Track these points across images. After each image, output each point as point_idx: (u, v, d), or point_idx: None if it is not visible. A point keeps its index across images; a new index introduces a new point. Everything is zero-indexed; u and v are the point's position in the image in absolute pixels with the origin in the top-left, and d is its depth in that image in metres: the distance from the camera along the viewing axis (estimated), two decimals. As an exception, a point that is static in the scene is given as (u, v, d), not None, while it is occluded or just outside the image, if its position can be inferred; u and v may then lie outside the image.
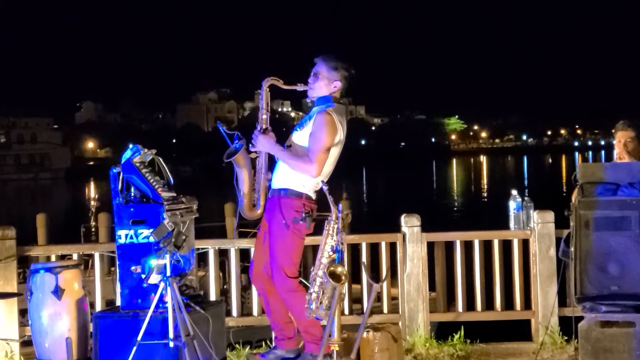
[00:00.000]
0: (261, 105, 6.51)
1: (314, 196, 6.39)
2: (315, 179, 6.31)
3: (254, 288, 8.22)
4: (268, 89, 6.48)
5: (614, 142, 7.42)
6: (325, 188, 6.10)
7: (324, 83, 6.40)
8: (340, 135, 6.34)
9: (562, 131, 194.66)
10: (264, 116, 6.49)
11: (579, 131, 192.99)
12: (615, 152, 7.35)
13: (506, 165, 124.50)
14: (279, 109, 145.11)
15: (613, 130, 7.37)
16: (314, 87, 6.43)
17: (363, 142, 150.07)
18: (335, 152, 6.36)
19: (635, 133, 7.20)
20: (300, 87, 6.48)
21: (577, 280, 6.45)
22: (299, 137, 6.37)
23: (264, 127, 6.45)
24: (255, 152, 6.48)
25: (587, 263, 6.44)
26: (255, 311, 8.28)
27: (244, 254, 8.49)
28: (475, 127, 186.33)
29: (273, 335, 6.78)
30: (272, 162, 6.55)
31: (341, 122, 6.33)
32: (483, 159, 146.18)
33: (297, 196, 6.30)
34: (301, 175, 6.29)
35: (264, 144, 6.41)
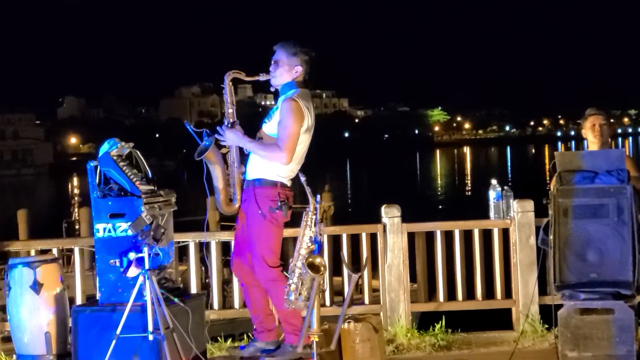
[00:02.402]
0: (226, 99, 6.53)
1: (289, 184, 6.39)
2: (288, 166, 6.31)
3: (235, 281, 8.23)
4: (231, 83, 6.51)
5: (583, 130, 7.40)
6: (302, 179, 6.10)
7: (285, 69, 6.42)
8: (308, 120, 6.34)
9: (545, 121, 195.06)
10: (230, 110, 6.51)
11: (561, 121, 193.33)
12: (589, 138, 7.34)
13: (490, 156, 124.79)
14: (262, 102, 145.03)
15: (582, 120, 7.35)
16: (276, 75, 6.45)
17: (347, 134, 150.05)
18: (305, 138, 6.37)
19: (605, 116, 7.22)
20: (262, 77, 6.50)
21: (556, 268, 6.46)
22: (269, 128, 6.39)
23: (231, 120, 6.46)
24: (226, 147, 6.48)
25: (566, 251, 6.45)
26: (236, 304, 8.28)
27: (225, 247, 8.47)
28: (459, 119, 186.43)
29: (253, 327, 6.76)
30: (244, 156, 6.53)
31: (308, 107, 6.34)
32: (467, 150, 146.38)
33: (271, 185, 6.31)
34: (274, 164, 6.29)
35: (231, 138, 6.41)
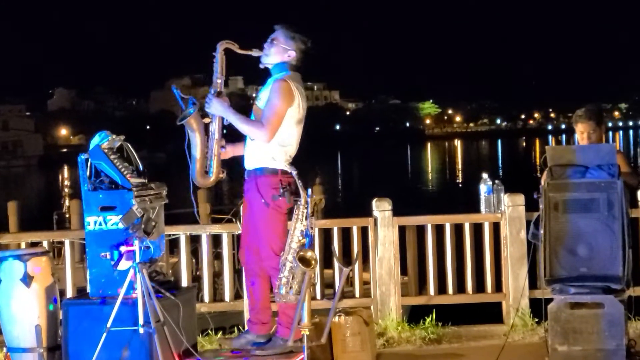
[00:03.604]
0: (215, 69, 6.46)
1: (289, 169, 6.34)
2: (285, 150, 6.28)
3: (226, 274, 8.23)
4: (223, 53, 6.46)
5: (575, 130, 7.37)
6: (294, 172, 6.10)
7: (279, 50, 6.41)
8: (299, 101, 6.33)
9: (536, 115, 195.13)
10: (218, 80, 6.46)
11: (552, 115, 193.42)
12: (577, 142, 7.32)
13: (480, 149, 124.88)
14: (254, 94, 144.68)
15: (573, 121, 7.34)
16: (269, 54, 6.43)
17: (338, 127, 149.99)
18: (299, 122, 6.35)
19: (595, 122, 7.18)
20: (255, 53, 6.46)
21: (546, 262, 6.47)
22: (259, 108, 6.37)
23: (218, 90, 6.44)
24: (209, 117, 6.45)
25: (557, 245, 6.46)
26: (227, 297, 8.29)
27: (216, 240, 8.47)
28: (450, 111, 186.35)
29: (246, 318, 6.76)
30: (231, 132, 6.49)
31: (298, 89, 6.33)
32: (457, 143, 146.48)
33: (272, 173, 6.29)
34: (270, 150, 6.27)
35: (217, 107, 6.39)
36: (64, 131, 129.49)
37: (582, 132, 7.19)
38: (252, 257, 6.46)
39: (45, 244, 7.99)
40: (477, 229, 8.26)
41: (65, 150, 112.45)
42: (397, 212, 8.21)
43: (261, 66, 6.52)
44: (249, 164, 6.41)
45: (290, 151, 6.37)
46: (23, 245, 7.98)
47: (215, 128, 6.45)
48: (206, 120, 6.45)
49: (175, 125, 6.57)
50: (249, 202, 6.43)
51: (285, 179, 6.30)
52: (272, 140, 6.28)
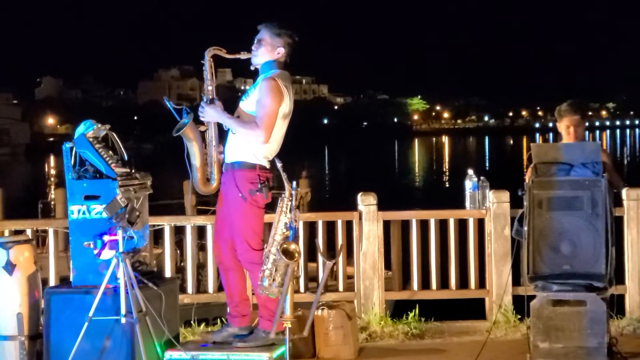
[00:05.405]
0: (205, 76, 6.48)
1: (267, 165, 6.35)
2: (266, 148, 6.29)
3: (210, 265, 8.22)
4: (211, 59, 6.47)
5: (558, 123, 7.35)
6: (279, 165, 6.09)
7: (267, 49, 6.40)
8: (287, 100, 6.32)
9: (524, 112, 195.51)
10: (209, 87, 6.47)
11: (540, 113, 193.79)
12: (564, 137, 7.29)
13: (468, 146, 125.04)
14: (242, 87, 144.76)
15: (556, 114, 7.33)
16: (257, 54, 6.42)
17: (326, 121, 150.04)
18: (284, 120, 6.35)
19: (580, 116, 7.20)
20: (243, 55, 6.47)
21: (529, 259, 6.49)
22: (246, 105, 6.37)
23: (210, 97, 6.44)
24: (205, 124, 6.46)
25: (540, 242, 6.48)
26: (211, 288, 8.28)
27: (200, 231, 8.46)
28: (438, 108, 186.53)
29: (227, 311, 6.76)
30: (222, 134, 6.50)
31: (287, 87, 6.33)
32: (445, 139, 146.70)
33: (250, 168, 6.29)
34: (252, 146, 6.27)
35: (211, 114, 6.39)
36: (51, 120, 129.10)
37: (567, 127, 7.20)
38: (227, 251, 6.45)
39: (29, 232, 7.96)
40: (462, 224, 8.26)
41: (52, 139, 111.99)
42: (382, 206, 8.21)
43: (252, 67, 6.52)
44: (228, 157, 6.40)
45: (272, 148, 6.36)
46: (6, 233, 7.95)
47: (212, 135, 6.46)
48: (202, 128, 6.45)
49: (163, 118, 6.59)
50: (225, 196, 6.42)
51: (263, 174, 6.31)
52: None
